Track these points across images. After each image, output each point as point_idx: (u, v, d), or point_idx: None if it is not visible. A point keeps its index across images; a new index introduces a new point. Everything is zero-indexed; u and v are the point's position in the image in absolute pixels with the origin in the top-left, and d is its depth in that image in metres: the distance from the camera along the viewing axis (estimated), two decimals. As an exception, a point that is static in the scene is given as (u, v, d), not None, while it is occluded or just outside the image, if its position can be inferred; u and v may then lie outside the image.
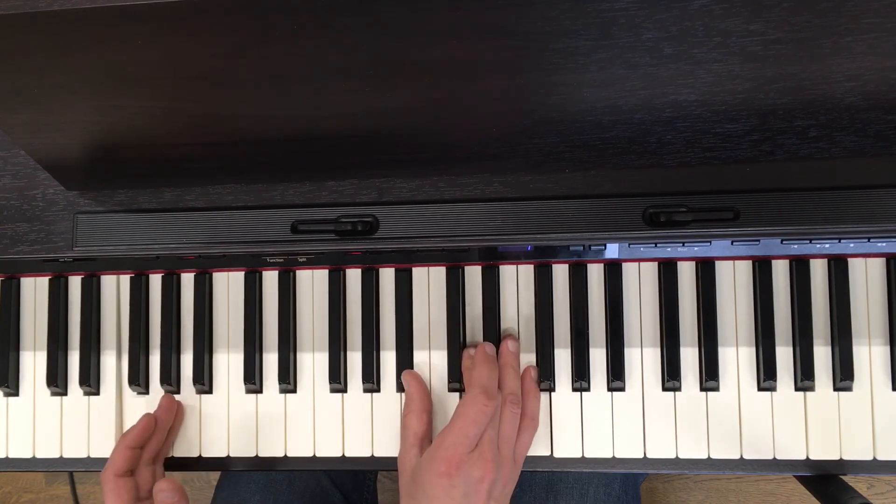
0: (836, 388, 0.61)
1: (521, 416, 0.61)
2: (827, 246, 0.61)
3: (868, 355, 0.61)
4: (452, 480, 0.55)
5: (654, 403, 0.63)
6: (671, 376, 0.62)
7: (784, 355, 0.62)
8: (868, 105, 0.48)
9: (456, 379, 0.64)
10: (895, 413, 0.61)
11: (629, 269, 0.64)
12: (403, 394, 0.65)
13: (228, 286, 0.68)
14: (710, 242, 0.61)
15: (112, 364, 0.68)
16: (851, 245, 0.61)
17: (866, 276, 0.62)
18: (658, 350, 0.63)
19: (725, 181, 0.55)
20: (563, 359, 0.64)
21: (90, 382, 0.68)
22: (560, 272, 0.65)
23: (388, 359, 0.66)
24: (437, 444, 0.57)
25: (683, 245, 0.61)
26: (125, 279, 0.69)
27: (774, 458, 0.61)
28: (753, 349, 0.62)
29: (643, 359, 0.63)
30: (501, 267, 0.65)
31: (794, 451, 0.61)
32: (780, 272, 0.63)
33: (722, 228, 0.55)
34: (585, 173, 0.56)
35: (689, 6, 0.39)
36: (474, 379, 0.60)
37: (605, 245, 0.62)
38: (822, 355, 0.62)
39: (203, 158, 0.55)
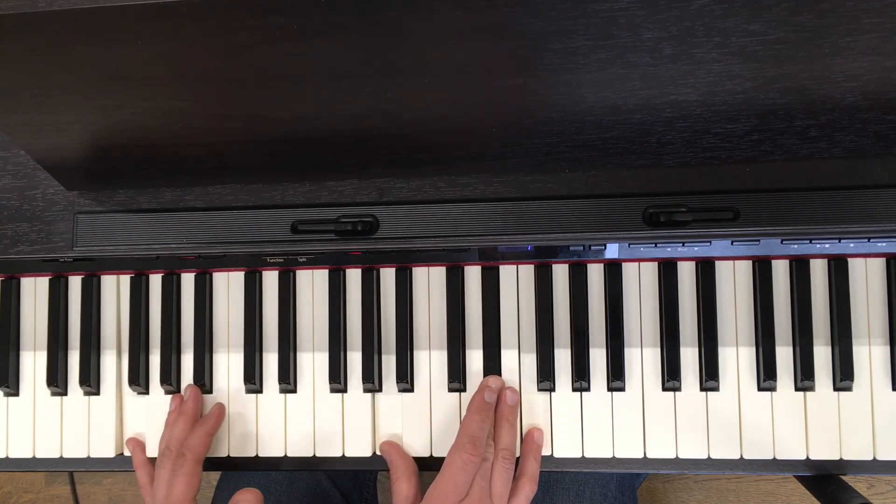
0: (836, 388, 0.61)
1: (519, 475, 0.61)
2: (827, 246, 0.61)
3: (868, 355, 0.61)
4: None
5: (654, 403, 0.63)
6: (671, 376, 0.62)
7: (784, 355, 0.62)
8: (868, 105, 0.48)
9: (456, 379, 0.64)
10: (895, 413, 0.61)
11: (629, 269, 0.64)
12: (404, 394, 0.65)
13: (228, 286, 0.68)
14: (710, 242, 0.61)
15: (112, 364, 0.68)
16: (851, 245, 0.61)
17: (866, 276, 0.62)
18: (658, 350, 0.63)
19: (725, 181, 0.55)
20: (563, 359, 0.64)
21: (90, 382, 0.68)
22: (560, 272, 0.65)
23: (388, 359, 0.66)
24: (428, 495, 0.58)
25: (683, 245, 0.61)
26: (125, 279, 0.69)
27: (774, 458, 0.61)
28: (753, 349, 0.62)
29: (643, 359, 0.63)
30: (501, 267, 0.65)
31: (794, 450, 0.61)
32: (780, 272, 0.63)
33: (722, 228, 0.55)
34: (585, 173, 0.56)
35: (689, 6, 0.39)
36: (463, 427, 0.60)
37: (605, 245, 0.62)
38: (822, 355, 0.62)
39: (203, 158, 0.55)
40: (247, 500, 0.58)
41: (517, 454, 0.63)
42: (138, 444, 0.67)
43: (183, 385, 0.68)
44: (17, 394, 0.69)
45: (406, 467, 0.63)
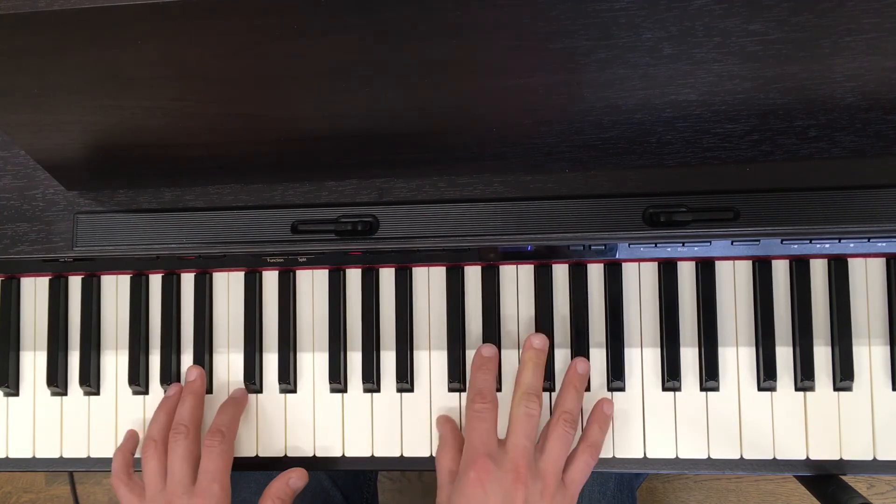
0: (836, 388, 0.61)
1: (582, 439, 0.60)
2: (827, 246, 0.61)
3: (868, 355, 0.61)
4: (485, 486, 0.55)
5: (654, 403, 0.63)
6: (671, 376, 0.62)
7: (784, 355, 0.62)
8: (868, 105, 0.48)
9: (456, 379, 0.64)
10: (895, 413, 0.61)
11: (629, 269, 0.64)
12: (404, 394, 0.65)
13: (228, 286, 0.68)
14: (710, 242, 0.61)
15: (112, 364, 0.68)
16: (851, 245, 0.61)
17: (866, 276, 0.62)
18: (658, 350, 0.63)
19: (725, 181, 0.55)
20: (562, 359, 0.64)
21: (90, 382, 0.68)
22: (560, 272, 0.65)
23: (388, 359, 0.66)
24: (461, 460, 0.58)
25: (683, 245, 0.61)
26: (125, 279, 0.69)
27: (774, 458, 0.61)
28: (753, 349, 0.62)
29: (643, 359, 0.63)
30: (501, 267, 0.65)
31: (794, 450, 0.61)
32: (780, 272, 0.63)
33: (722, 228, 0.55)
34: (586, 173, 0.56)
35: (689, 6, 0.39)
36: (471, 384, 0.61)
37: (605, 245, 0.62)
38: (822, 355, 0.62)
39: (203, 158, 0.55)
40: (297, 477, 0.62)
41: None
42: (132, 435, 0.66)
43: (183, 385, 0.68)
44: (17, 394, 0.69)
45: (454, 440, 0.61)
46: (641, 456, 0.63)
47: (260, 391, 0.67)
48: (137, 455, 0.66)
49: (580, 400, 0.61)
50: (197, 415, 0.64)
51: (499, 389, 0.64)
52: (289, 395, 0.67)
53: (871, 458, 0.61)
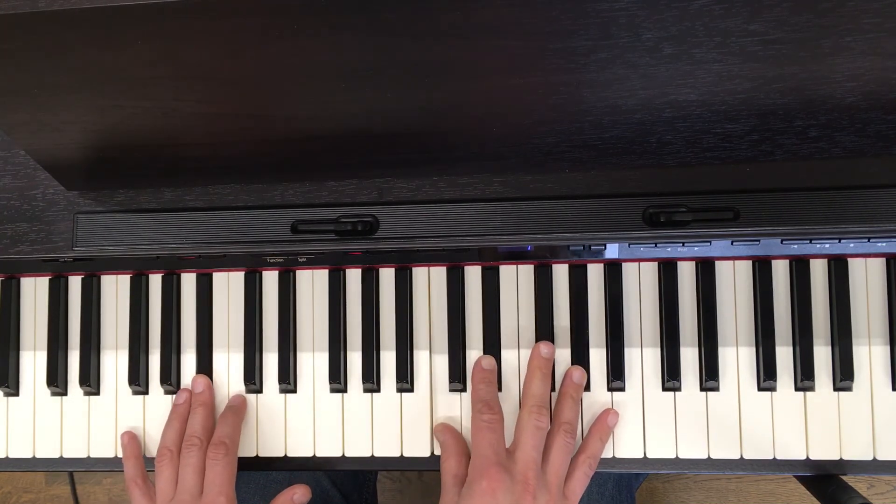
0: (836, 388, 0.61)
1: (578, 452, 0.61)
2: (827, 246, 0.61)
3: (868, 355, 0.61)
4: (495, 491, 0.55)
5: (654, 403, 0.63)
6: (671, 376, 0.62)
7: (784, 355, 0.62)
8: (868, 105, 0.48)
9: (456, 379, 0.64)
10: (895, 413, 0.61)
11: (629, 269, 0.64)
12: (404, 394, 0.65)
13: (228, 286, 0.68)
14: (710, 242, 0.61)
15: (112, 364, 0.68)
16: (851, 245, 0.61)
17: (866, 276, 0.62)
18: (658, 350, 0.63)
19: (725, 181, 0.55)
20: (563, 359, 0.64)
21: (90, 382, 0.68)
22: (560, 272, 0.65)
23: (388, 359, 0.66)
24: (470, 467, 0.59)
25: (683, 245, 0.61)
26: (125, 279, 0.69)
27: (774, 458, 0.61)
28: (753, 349, 0.62)
29: (643, 359, 0.63)
30: (501, 267, 0.65)
31: (794, 450, 0.61)
32: (780, 272, 0.63)
33: (722, 228, 0.55)
34: (585, 173, 0.56)
35: (689, 6, 0.39)
36: (474, 389, 0.61)
37: (605, 245, 0.62)
38: (822, 355, 0.62)
39: (203, 158, 0.55)
40: (301, 493, 0.64)
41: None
42: (133, 438, 0.67)
43: (184, 384, 0.68)
44: (17, 394, 0.69)
45: (457, 447, 0.62)
46: (641, 456, 0.63)
47: (260, 391, 0.67)
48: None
49: (578, 408, 0.62)
50: (208, 426, 0.64)
51: (498, 389, 0.64)
52: (289, 395, 0.67)
53: (871, 458, 0.61)
